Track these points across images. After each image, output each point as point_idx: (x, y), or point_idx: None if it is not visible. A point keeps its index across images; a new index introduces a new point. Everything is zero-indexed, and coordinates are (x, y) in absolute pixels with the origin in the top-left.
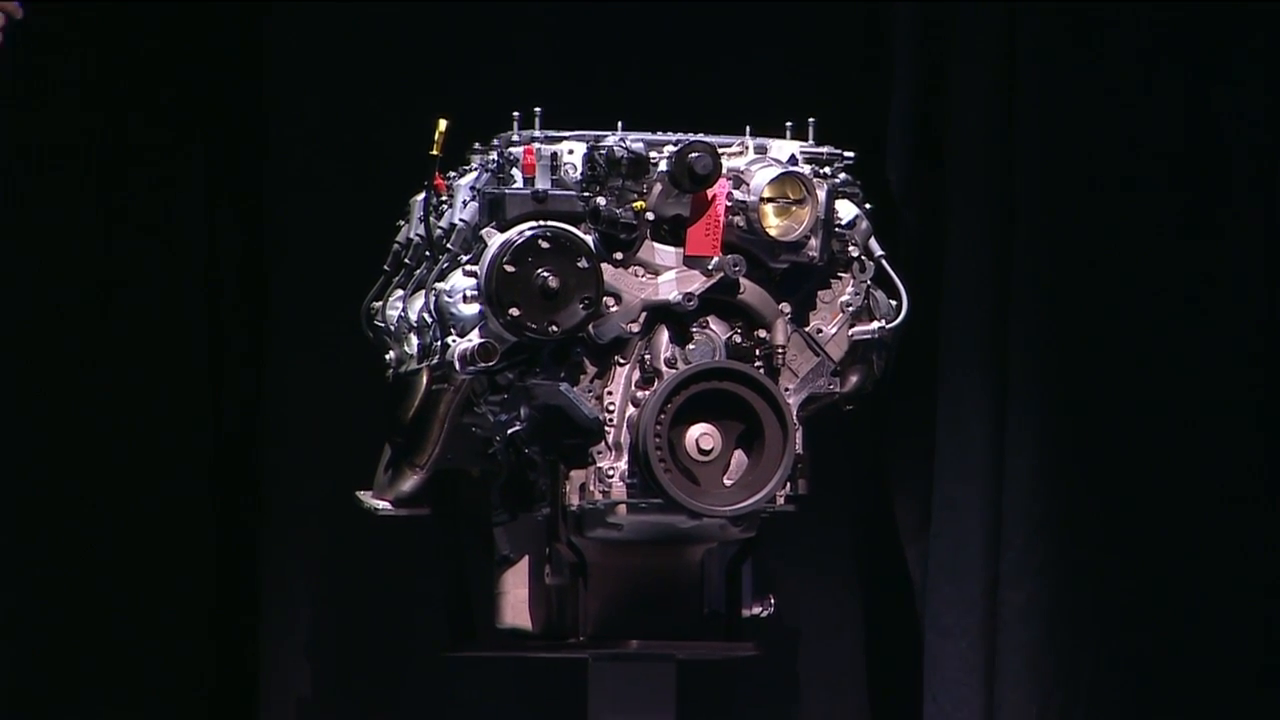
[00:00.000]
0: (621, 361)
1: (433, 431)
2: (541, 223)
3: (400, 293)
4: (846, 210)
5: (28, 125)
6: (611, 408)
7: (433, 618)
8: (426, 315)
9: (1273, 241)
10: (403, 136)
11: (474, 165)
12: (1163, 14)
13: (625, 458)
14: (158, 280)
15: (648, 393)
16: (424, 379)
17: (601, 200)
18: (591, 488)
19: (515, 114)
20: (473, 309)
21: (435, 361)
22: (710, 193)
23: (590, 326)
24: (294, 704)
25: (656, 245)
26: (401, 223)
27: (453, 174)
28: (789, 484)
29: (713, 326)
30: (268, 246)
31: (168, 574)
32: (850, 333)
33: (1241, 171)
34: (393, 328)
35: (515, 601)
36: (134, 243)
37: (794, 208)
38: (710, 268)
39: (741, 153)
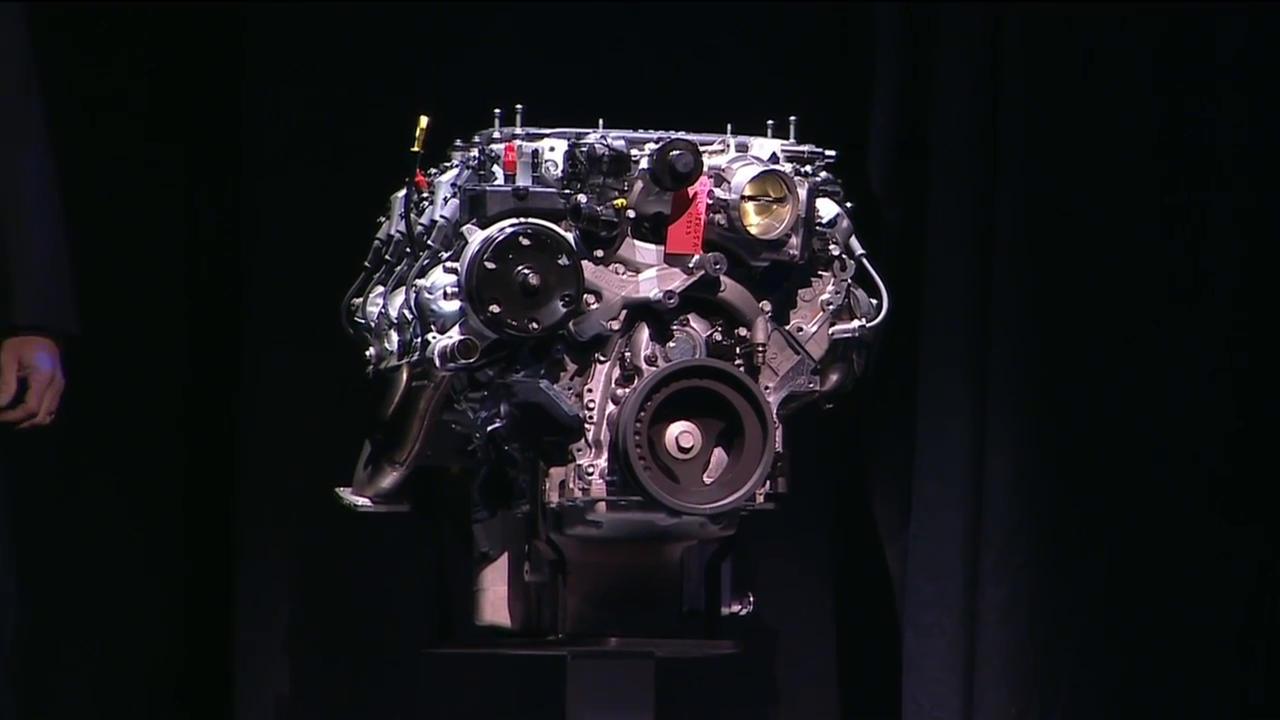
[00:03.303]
0: (602, 359)
1: (413, 428)
2: (522, 220)
3: (381, 289)
4: (827, 209)
5: None
6: (591, 405)
7: (412, 614)
8: (407, 312)
9: (1253, 239)
10: (383, 133)
11: (455, 162)
12: (1145, 14)
13: (605, 455)
14: (135, 277)
15: (628, 390)
16: (404, 376)
17: (582, 197)
18: (571, 485)
19: (497, 111)
20: (453, 306)
21: (415, 358)
22: (691, 190)
23: (570, 324)
24: (271, 701)
25: (637, 243)
26: (382, 219)
27: (434, 170)
28: (768, 482)
29: (693, 324)
30: (248, 242)
31: (143, 569)
32: (830, 331)
33: (1223, 169)
34: (373, 324)
35: (494, 599)
36: (111, 240)
37: (775, 206)
38: (691, 265)
39: (723, 150)
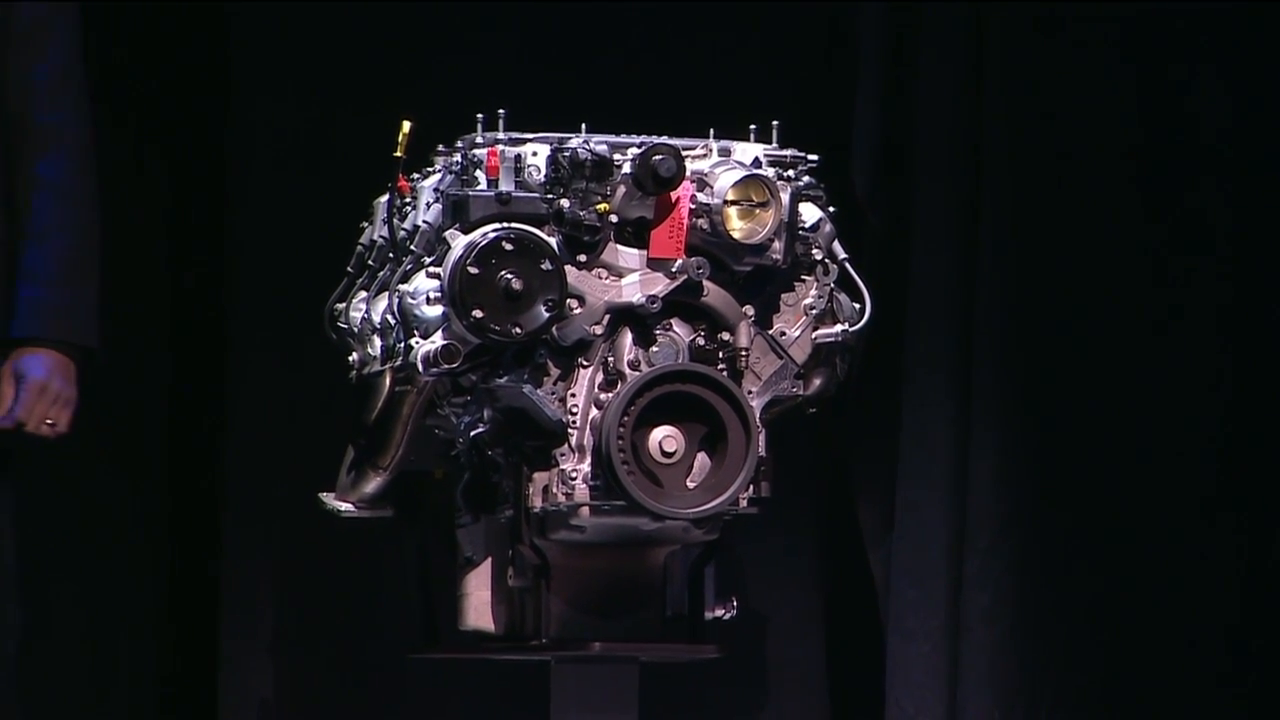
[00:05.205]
0: (585, 364)
1: (396, 433)
2: (505, 224)
3: (364, 294)
4: (810, 213)
5: None
6: (574, 410)
7: (395, 620)
8: (390, 317)
9: (1240, 243)
10: (366, 138)
11: (437, 167)
12: (1128, 15)
13: (588, 460)
14: (119, 282)
15: (611, 395)
16: (387, 381)
17: (565, 202)
18: (554, 490)
19: (479, 115)
20: (436, 311)
21: (398, 363)
22: (674, 195)
23: (554, 328)
24: (255, 706)
25: (620, 247)
26: (365, 224)
27: (416, 175)
28: (752, 486)
29: (676, 329)
30: (230, 247)
31: (128, 574)
32: (814, 336)
33: (1208, 172)
34: (356, 329)
35: (478, 603)
36: None
37: (757, 210)
38: (674, 270)
39: (705, 155)
